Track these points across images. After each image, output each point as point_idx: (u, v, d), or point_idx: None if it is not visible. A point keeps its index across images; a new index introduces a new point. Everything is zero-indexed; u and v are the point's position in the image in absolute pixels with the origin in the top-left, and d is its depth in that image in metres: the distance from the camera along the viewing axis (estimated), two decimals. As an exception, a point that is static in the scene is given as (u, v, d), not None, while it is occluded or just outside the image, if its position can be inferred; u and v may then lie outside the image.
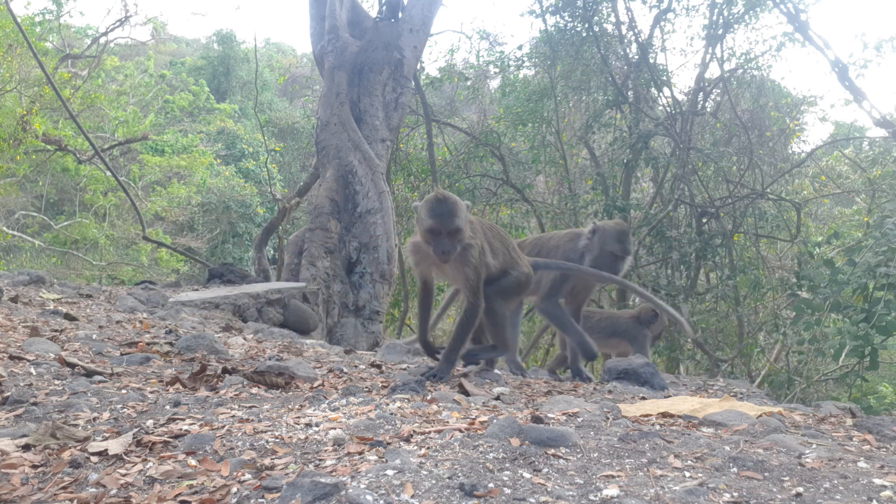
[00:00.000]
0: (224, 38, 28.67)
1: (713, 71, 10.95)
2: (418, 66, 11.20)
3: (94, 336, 3.87)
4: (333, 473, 1.70)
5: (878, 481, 1.73)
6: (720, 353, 9.81)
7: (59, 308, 4.86)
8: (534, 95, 12.37)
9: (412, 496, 1.54)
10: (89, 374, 2.87)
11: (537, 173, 13.30)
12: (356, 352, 4.68)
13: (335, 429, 2.11)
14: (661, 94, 10.88)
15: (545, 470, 1.76)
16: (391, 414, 2.32)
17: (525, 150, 13.08)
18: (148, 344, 3.73)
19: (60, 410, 2.32)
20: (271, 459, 1.86)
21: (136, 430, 2.11)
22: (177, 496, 1.65)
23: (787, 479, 1.74)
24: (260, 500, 1.58)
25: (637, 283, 10.64)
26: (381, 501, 1.50)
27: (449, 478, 1.64)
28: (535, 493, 1.58)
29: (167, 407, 2.44)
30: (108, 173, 15.64)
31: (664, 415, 2.57)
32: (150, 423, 2.20)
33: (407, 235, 13.06)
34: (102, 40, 17.62)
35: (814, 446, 2.12)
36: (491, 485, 1.60)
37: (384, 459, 1.79)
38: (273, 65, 30.48)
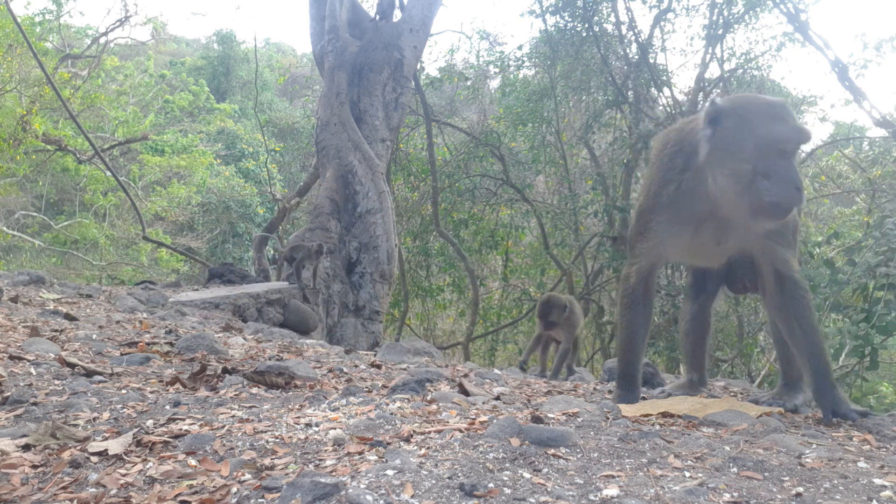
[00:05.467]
0: (224, 38, 28.67)
1: (713, 71, 10.96)
2: (418, 66, 11.21)
3: (94, 336, 3.87)
4: (333, 473, 1.70)
5: (878, 481, 1.73)
6: (720, 352, 9.82)
7: (59, 308, 4.86)
8: (534, 95, 12.37)
9: (412, 496, 1.54)
10: (89, 374, 2.87)
11: (537, 173, 13.31)
12: (356, 352, 4.68)
13: (335, 429, 2.11)
14: (661, 94, 10.88)
15: (545, 470, 1.76)
16: (391, 414, 2.32)
17: (525, 150, 13.09)
18: (148, 344, 3.73)
19: (60, 410, 2.31)
20: (271, 459, 1.86)
21: (136, 430, 2.11)
22: (177, 496, 1.65)
23: (787, 479, 1.74)
24: (260, 500, 1.58)
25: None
26: (381, 501, 1.50)
27: (449, 478, 1.64)
28: (535, 493, 1.58)
29: (167, 407, 2.44)
30: (108, 173, 15.64)
31: (664, 415, 2.57)
32: (150, 423, 2.20)
33: (407, 235, 13.08)
34: (102, 40, 17.61)
35: (814, 446, 2.12)
36: (491, 485, 1.60)
37: (384, 459, 1.79)
38: (273, 65, 30.48)
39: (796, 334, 2.72)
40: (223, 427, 2.15)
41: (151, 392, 2.65)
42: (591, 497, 1.58)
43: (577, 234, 11.73)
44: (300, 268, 7.65)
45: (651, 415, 2.55)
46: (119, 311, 5.40)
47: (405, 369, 3.66)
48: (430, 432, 2.07)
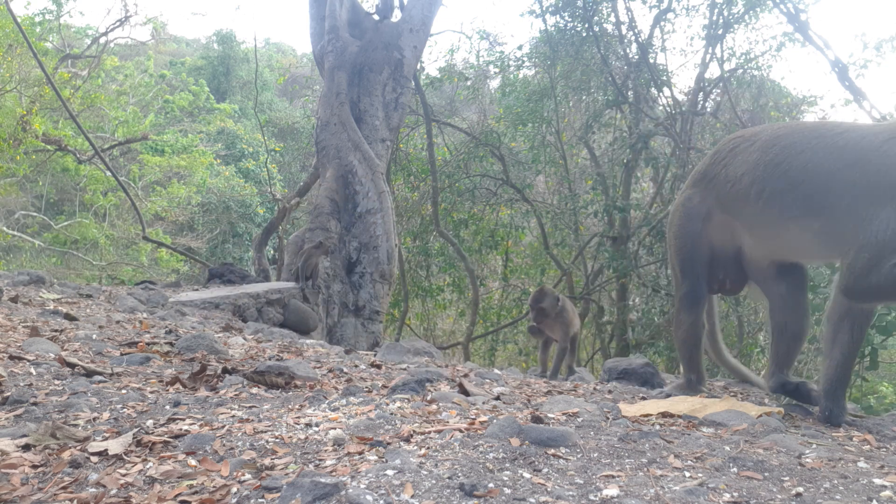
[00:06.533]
0: (224, 38, 28.66)
1: (713, 71, 10.96)
2: (418, 66, 11.20)
3: (94, 336, 3.87)
4: (333, 473, 1.70)
5: (878, 481, 1.73)
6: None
7: (59, 308, 4.86)
8: (534, 95, 12.37)
9: (412, 496, 1.54)
10: (89, 374, 2.87)
11: (537, 173, 13.31)
12: (356, 352, 4.68)
13: (335, 429, 2.11)
14: (661, 94, 10.88)
15: (545, 470, 1.76)
16: (391, 414, 2.32)
17: (525, 150, 13.09)
18: (148, 344, 3.73)
19: (60, 410, 2.31)
20: (271, 459, 1.86)
21: (136, 430, 2.11)
22: (177, 496, 1.65)
23: (787, 479, 1.74)
24: (260, 500, 1.58)
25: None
26: (381, 501, 1.50)
27: (449, 478, 1.64)
28: (535, 493, 1.58)
29: (167, 407, 2.44)
30: (108, 173, 15.64)
31: (664, 415, 2.57)
32: (150, 423, 2.20)
33: (407, 235, 13.08)
34: (102, 40, 17.60)
35: (814, 446, 2.12)
36: (491, 485, 1.60)
37: (384, 459, 1.79)
38: (273, 65, 30.47)
39: (841, 339, 2.81)
40: (223, 427, 2.15)
41: (151, 392, 2.65)
42: (591, 497, 1.58)
43: (577, 234, 11.73)
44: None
45: (651, 415, 2.55)
46: (119, 311, 5.40)
47: (405, 369, 3.66)
48: (430, 432, 2.07)
